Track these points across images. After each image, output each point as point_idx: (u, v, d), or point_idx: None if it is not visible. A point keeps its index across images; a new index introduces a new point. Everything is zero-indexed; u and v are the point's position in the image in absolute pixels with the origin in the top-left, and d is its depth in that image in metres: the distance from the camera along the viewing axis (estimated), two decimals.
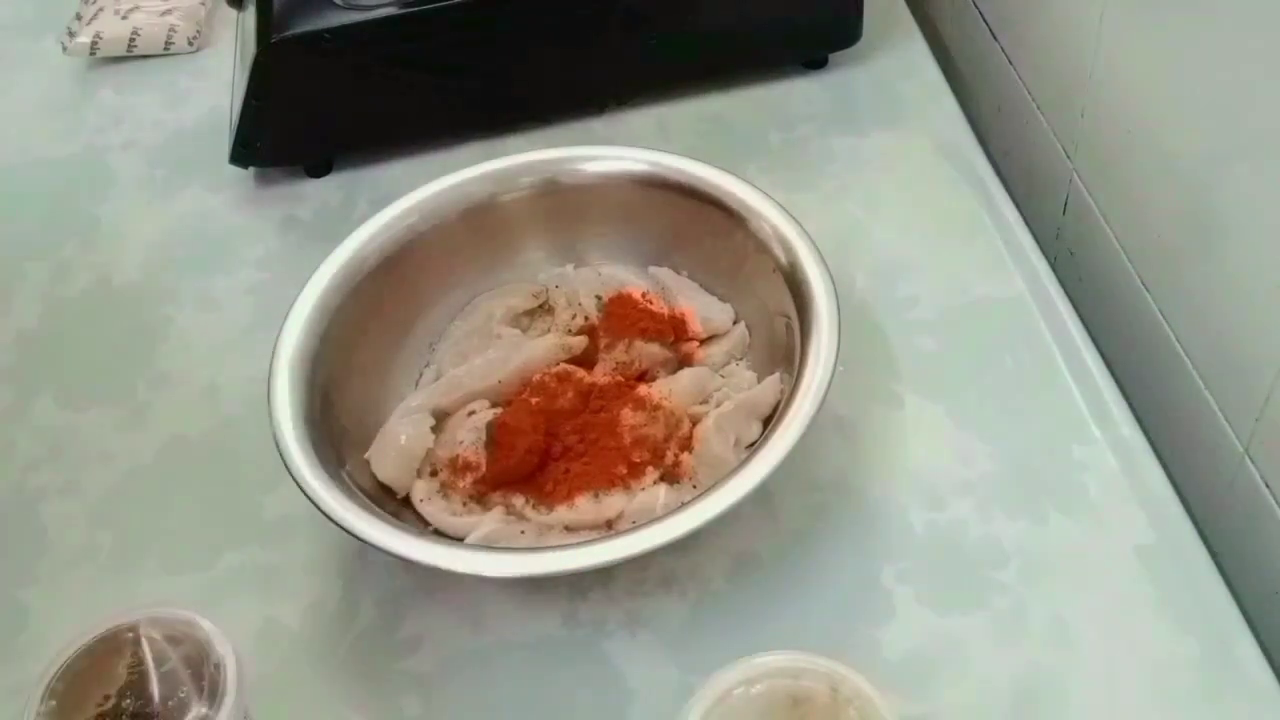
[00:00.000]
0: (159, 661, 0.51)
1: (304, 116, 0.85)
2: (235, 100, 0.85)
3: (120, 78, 0.97)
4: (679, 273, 0.74)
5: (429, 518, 0.64)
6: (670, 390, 0.67)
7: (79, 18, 0.99)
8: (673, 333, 0.70)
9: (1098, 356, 0.71)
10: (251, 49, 0.81)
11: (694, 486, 0.64)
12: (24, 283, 0.83)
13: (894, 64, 0.91)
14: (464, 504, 0.64)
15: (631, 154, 0.74)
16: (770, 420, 0.64)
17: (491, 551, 0.61)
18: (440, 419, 0.68)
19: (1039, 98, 0.81)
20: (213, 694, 0.50)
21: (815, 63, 0.91)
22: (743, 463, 0.59)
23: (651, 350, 0.69)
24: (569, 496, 0.63)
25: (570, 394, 0.67)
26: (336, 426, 0.65)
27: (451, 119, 0.88)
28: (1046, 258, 0.77)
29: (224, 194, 0.87)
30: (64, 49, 0.97)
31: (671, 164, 0.73)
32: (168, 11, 0.99)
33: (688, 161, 0.72)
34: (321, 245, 0.70)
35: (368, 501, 0.61)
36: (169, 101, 0.95)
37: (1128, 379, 0.70)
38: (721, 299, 0.72)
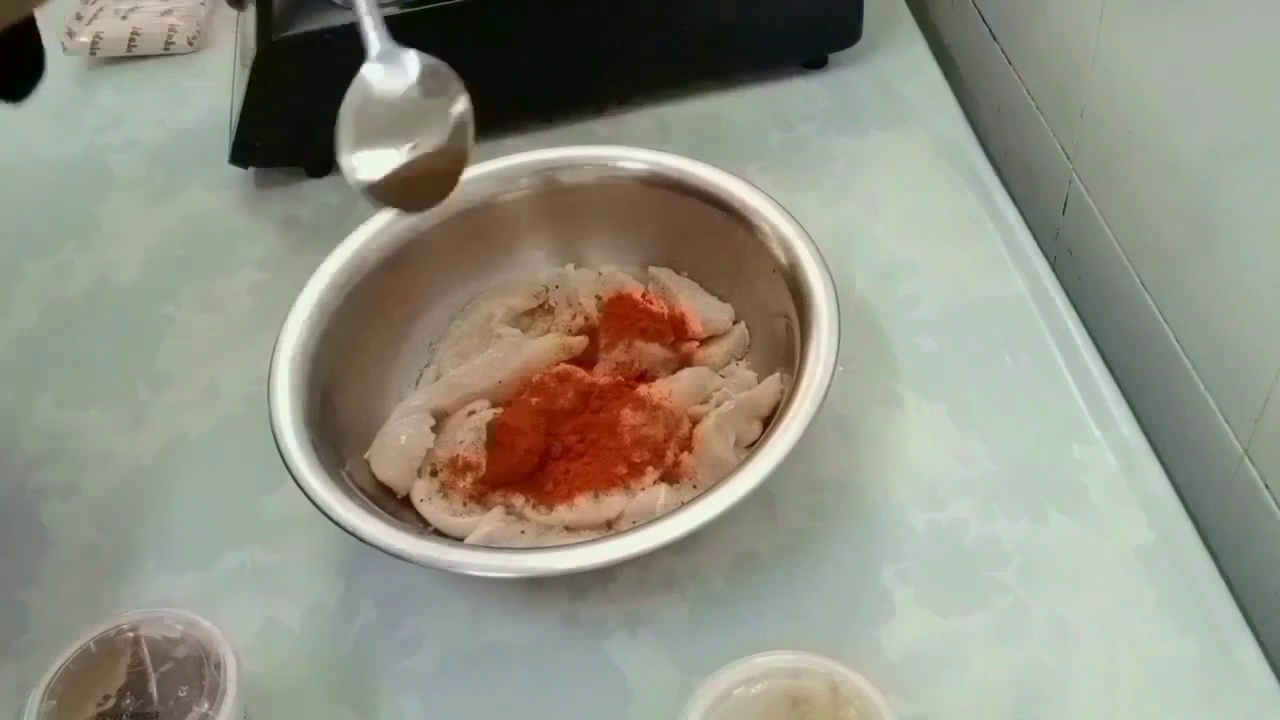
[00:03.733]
0: (159, 661, 0.51)
1: (304, 116, 0.84)
2: (235, 100, 0.85)
3: (120, 78, 0.97)
4: (679, 273, 0.74)
5: (429, 518, 0.64)
6: (670, 390, 0.67)
7: (79, 18, 0.99)
8: (673, 333, 0.70)
9: (1098, 356, 0.71)
10: (251, 49, 0.81)
11: (694, 486, 0.64)
12: (24, 283, 0.83)
13: (894, 64, 0.91)
14: (464, 504, 0.64)
15: (631, 154, 0.74)
16: (770, 420, 0.64)
17: (491, 551, 0.61)
18: (440, 419, 0.68)
19: (1039, 98, 0.81)
20: (213, 694, 0.50)
21: (815, 63, 0.91)
22: (743, 463, 0.59)
23: (651, 350, 0.69)
24: (569, 496, 0.63)
25: (570, 394, 0.67)
26: (336, 426, 0.65)
27: None
28: (1046, 258, 0.77)
29: (224, 194, 0.87)
30: (64, 49, 0.97)
31: (671, 164, 0.73)
32: (168, 11, 0.99)
33: (688, 161, 0.72)
34: (321, 245, 0.70)
35: (368, 501, 0.61)
36: (169, 101, 0.95)
37: (1128, 379, 0.70)
38: (721, 299, 0.72)
